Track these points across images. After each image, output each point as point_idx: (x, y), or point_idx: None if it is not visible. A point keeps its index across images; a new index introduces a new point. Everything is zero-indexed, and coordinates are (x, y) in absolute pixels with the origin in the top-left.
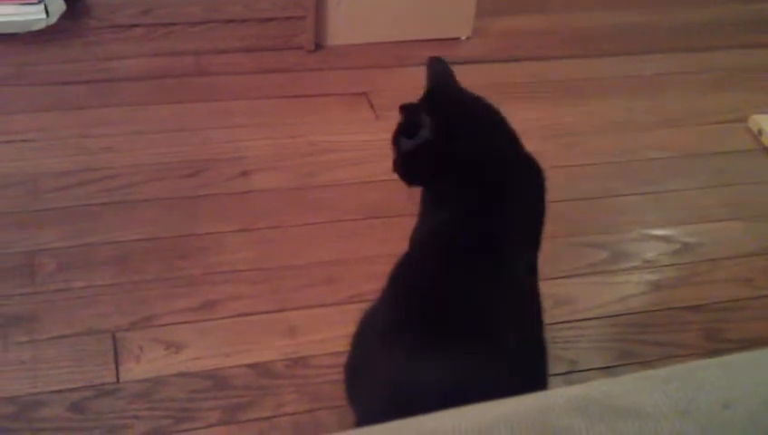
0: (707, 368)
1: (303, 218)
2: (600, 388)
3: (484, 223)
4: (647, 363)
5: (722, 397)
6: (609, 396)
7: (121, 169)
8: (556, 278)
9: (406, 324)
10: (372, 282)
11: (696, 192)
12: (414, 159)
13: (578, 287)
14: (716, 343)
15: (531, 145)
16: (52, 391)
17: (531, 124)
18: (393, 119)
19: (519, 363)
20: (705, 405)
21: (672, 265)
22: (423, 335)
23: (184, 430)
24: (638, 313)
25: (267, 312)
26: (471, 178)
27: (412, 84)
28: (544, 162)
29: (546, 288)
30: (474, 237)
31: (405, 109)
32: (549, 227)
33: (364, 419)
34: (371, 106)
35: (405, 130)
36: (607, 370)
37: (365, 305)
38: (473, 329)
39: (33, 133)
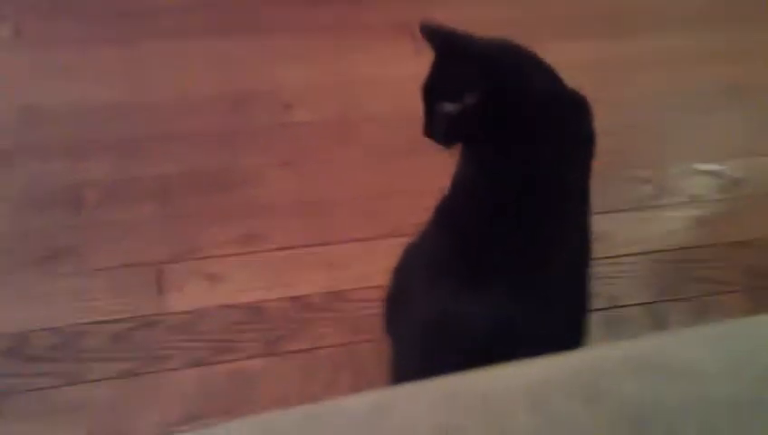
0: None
1: (344, 152)
2: (653, 344)
3: (531, 162)
4: (688, 300)
5: None
6: (661, 353)
7: (166, 101)
8: (599, 213)
9: (450, 263)
10: (412, 216)
11: (746, 125)
12: (457, 123)
13: (621, 222)
14: (760, 280)
15: (576, 77)
16: (96, 322)
17: (578, 57)
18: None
19: (561, 306)
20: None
21: (718, 200)
22: (467, 275)
23: (224, 361)
24: (680, 249)
25: (307, 245)
26: (517, 125)
27: (456, 16)
28: (590, 94)
29: None
30: (520, 176)
31: (432, 37)
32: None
33: (402, 355)
34: (414, 39)
35: (445, 93)
36: (647, 306)
37: (405, 240)
38: (517, 270)
39: (79, 66)
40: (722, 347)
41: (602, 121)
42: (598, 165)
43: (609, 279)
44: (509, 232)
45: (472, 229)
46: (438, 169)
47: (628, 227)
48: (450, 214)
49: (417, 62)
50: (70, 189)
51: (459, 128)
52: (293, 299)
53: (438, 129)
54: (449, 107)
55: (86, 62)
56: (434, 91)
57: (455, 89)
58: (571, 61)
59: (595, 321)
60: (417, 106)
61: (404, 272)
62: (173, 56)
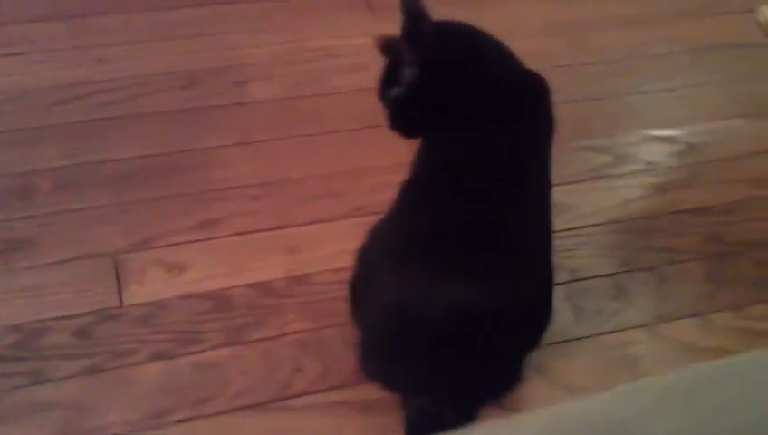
0: (711, 385)
1: (302, 129)
2: (594, 406)
3: (487, 144)
4: (649, 270)
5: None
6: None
7: (116, 81)
8: (558, 185)
9: (411, 247)
10: (373, 194)
11: (702, 89)
12: (405, 105)
13: (580, 193)
14: (718, 246)
15: (533, 44)
16: (57, 317)
17: (533, 21)
18: (391, 20)
19: (524, 285)
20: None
21: (676, 166)
22: (429, 259)
23: (190, 353)
24: (640, 218)
25: (268, 229)
26: (476, 104)
27: None
28: (547, 62)
29: None
30: (482, 159)
31: (384, 48)
32: None
33: (368, 340)
34: (369, 7)
35: (388, 78)
36: (609, 277)
37: (367, 219)
38: (479, 252)
39: (24, 45)
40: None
41: (557, 91)
42: (556, 135)
43: (570, 251)
44: (469, 215)
45: (432, 213)
46: (400, 143)
47: (587, 198)
48: (411, 198)
49: (375, 31)
50: (22, 178)
51: (409, 110)
52: (256, 285)
53: (393, 116)
54: (396, 91)
55: (30, 41)
56: (386, 83)
57: (399, 74)
58: (523, 24)
59: (559, 294)
60: (373, 78)
61: (367, 256)
62: (121, 32)
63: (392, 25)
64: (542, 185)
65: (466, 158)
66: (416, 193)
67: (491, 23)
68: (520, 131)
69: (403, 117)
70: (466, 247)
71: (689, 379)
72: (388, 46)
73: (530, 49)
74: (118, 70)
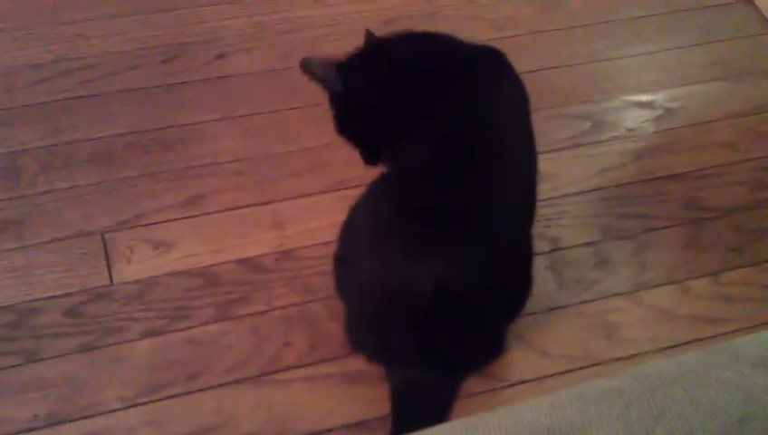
0: (671, 384)
1: (283, 102)
2: (563, 416)
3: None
4: (630, 237)
5: (680, 430)
6: (572, 430)
7: (96, 57)
8: (538, 153)
9: (394, 225)
10: (356, 168)
11: (679, 52)
12: (347, 118)
13: (559, 162)
14: (696, 212)
15: (509, 9)
16: (47, 297)
17: None
18: None
19: (506, 259)
20: None
21: (654, 132)
22: (410, 237)
23: (180, 329)
24: (619, 185)
25: (254, 204)
26: (425, 99)
27: None
28: (522, 29)
29: None
30: (456, 138)
31: (305, 68)
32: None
33: (354, 316)
34: None
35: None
36: (591, 245)
37: (350, 192)
38: (461, 228)
39: (2, 23)
40: (630, 418)
41: (535, 59)
42: (534, 103)
43: (551, 220)
44: (446, 191)
45: (412, 190)
46: None
47: (566, 167)
48: (391, 176)
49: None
50: (6, 158)
51: (344, 120)
52: (243, 261)
53: (336, 124)
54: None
55: (7, 19)
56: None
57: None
58: None
59: (539, 264)
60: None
61: (351, 231)
62: (99, 6)
63: None
64: (524, 154)
65: (437, 137)
66: (395, 171)
67: None
68: (481, 105)
69: (342, 124)
70: (446, 222)
71: (633, 384)
72: (308, 66)
73: (506, 15)
74: (96, 45)
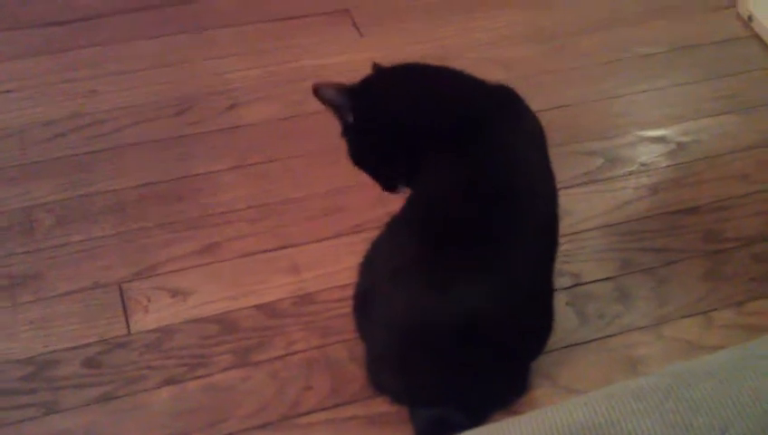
0: (705, 378)
1: (297, 149)
2: (597, 412)
3: (476, 166)
4: (650, 271)
5: (719, 419)
6: (607, 424)
7: (109, 112)
8: None
9: (416, 263)
10: (373, 210)
11: (688, 87)
12: (360, 146)
13: (575, 198)
14: (715, 244)
15: (515, 52)
16: (66, 349)
17: (514, 29)
18: (377, 35)
19: (530, 301)
20: (702, 430)
21: (668, 166)
22: (435, 273)
23: (199, 377)
24: (636, 220)
25: (269, 250)
26: (431, 129)
27: None
28: (531, 69)
29: None
30: (472, 180)
31: (318, 94)
32: None
33: (376, 356)
34: (354, 24)
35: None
36: (611, 280)
37: (366, 235)
38: (482, 266)
39: (14, 83)
40: (665, 410)
41: (545, 98)
42: (546, 141)
43: (570, 256)
44: (469, 226)
45: (431, 228)
46: None
47: (582, 203)
48: (410, 214)
49: (360, 47)
50: (21, 214)
51: (358, 148)
52: (261, 307)
53: (349, 152)
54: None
55: (20, 78)
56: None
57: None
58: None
59: (561, 300)
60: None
61: (371, 269)
62: (111, 62)
63: (377, 40)
64: (545, 187)
65: (452, 176)
66: (414, 209)
67: (476, 33)
68: (501, 136)
69: (356, 153)
70: (467, 261)
71: (667, 380)
72: (320, 92)
73: (516, 56)
74: (109, 101)
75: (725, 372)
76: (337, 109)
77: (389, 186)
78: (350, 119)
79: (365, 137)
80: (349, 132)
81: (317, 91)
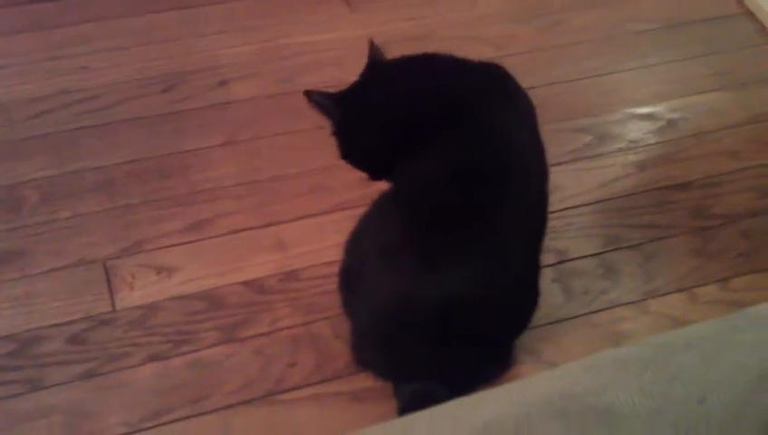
0: (685, 350)
1: (285, 126)
2: (577, 382)
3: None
4: (636, 247)
5: (698, 389)
6: (586, 394)
7: (97, 89)
8: None
9: (403, 243)
10: (358, 189)
11: (680, 64)
12: (349, 146)
13: (563, 175)
14: (703, 220)
15: (508, 29)
16: (50, 325)
17: (505, 7)
18: (368, 11)
19: (516, 279)
20: (680, 400)
21: (657, 143)
22: (421, 250)
23: (184, 353)
24: (624, 196)
25: (256, 227)
26: (421, 115)
27: None
28: (524, 46)
29: None
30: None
31: (310, 98)
32: None
33: (361, 334)
34: (345, 0)
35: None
36: (597, 256)
37: (352, 212)
38: (468, 244)
39: (2, 59)
40: (644, 381)
41: (536, 76)
42: (537, 118)
43: (557, 233)
44: (458, 205)
45: (418, 206)
46: None
47: (571, 179)
48: (402, 190)
49: (351, 24)
50: (7, 190)
51: (346, 144)
52: (247, 283)
53: (339, 149)
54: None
55: (9, 54)
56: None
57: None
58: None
59: (547, 276)
60: (352, 71)
61: (357, 246)
62: (100, 39)
63: (369, 16)
64: (535, 166)
65: (443, 156)
66: (404, 188)
67: (467, 11)
68: (490, 118)
69: (344, 151)
70: (453, 238)
71: (647, 350)
72: (310, 95)
73: (506, 34)
74: (97, 77)
75: (705, 344)
76: (326, 112)
77: (377, 177)
78: (337, 119)
79: (353, 137)
80: (337, 131)
81: (307, 94)
